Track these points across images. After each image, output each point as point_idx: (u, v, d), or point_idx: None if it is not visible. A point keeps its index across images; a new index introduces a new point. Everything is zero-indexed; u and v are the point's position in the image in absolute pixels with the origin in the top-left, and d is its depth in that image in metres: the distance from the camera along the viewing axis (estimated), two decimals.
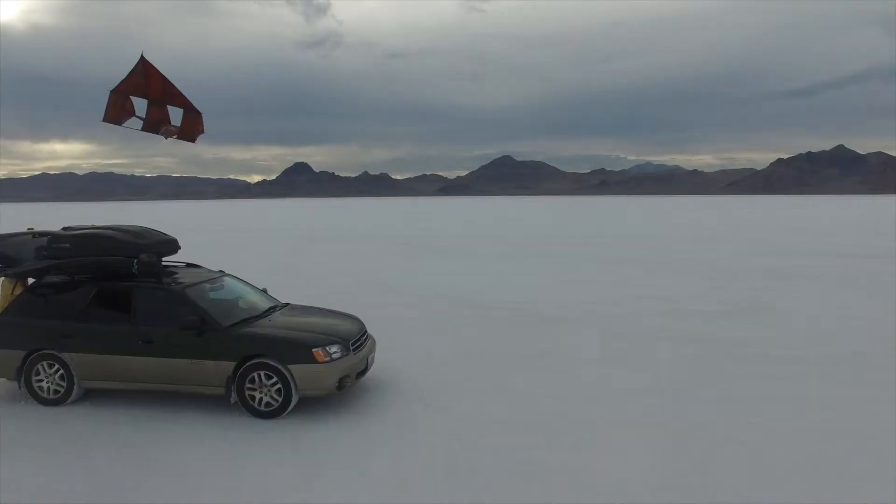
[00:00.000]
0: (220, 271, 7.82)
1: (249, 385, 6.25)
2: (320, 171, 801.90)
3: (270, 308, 7.32)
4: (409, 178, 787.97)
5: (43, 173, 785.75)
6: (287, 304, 7.72)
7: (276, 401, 6.23)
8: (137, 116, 8.62)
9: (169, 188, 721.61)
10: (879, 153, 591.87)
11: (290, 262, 21.08)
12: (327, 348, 6.31)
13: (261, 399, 6.25)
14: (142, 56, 8.23)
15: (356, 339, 6.84)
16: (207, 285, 7.09)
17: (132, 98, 8.50)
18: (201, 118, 8.80)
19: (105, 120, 8.38)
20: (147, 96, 8.49)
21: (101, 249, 6.82)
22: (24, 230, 8.00)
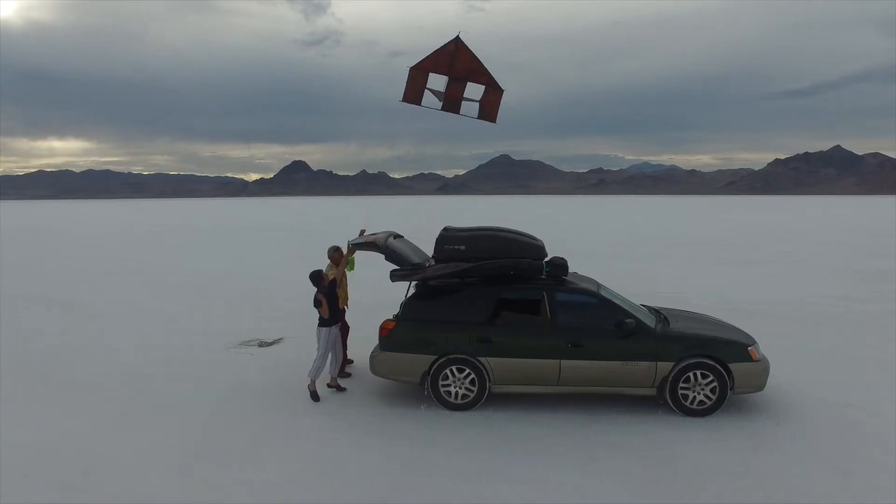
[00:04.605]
0: (574, 272, 7.95)
1: (683, 385, 6.47)
2: (318, 170, 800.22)
3: (651, 309, 7.55)
4: (407, 177, 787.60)
5: (40, 170, 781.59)
6: (642, 304, 7.91)
7: (710, 399, 6.46)
8: (429, 89, 8.18)
9: (167, 185, 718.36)
10: (876, 154, 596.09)
11: None
12: (755, 347, 6.58)
13: (694, 398, 6.49)
14: (458, 37, 7.93)
15: None
16: (601, 286, 7.28)
17: (430, 74, 8.07)
18: (500, 96, 8.24)
19: (404, 100, 8.04)
20: (450, 74, 8.10)
21: (504, 251, 6.91)
22: (360, 232, 8.07)
